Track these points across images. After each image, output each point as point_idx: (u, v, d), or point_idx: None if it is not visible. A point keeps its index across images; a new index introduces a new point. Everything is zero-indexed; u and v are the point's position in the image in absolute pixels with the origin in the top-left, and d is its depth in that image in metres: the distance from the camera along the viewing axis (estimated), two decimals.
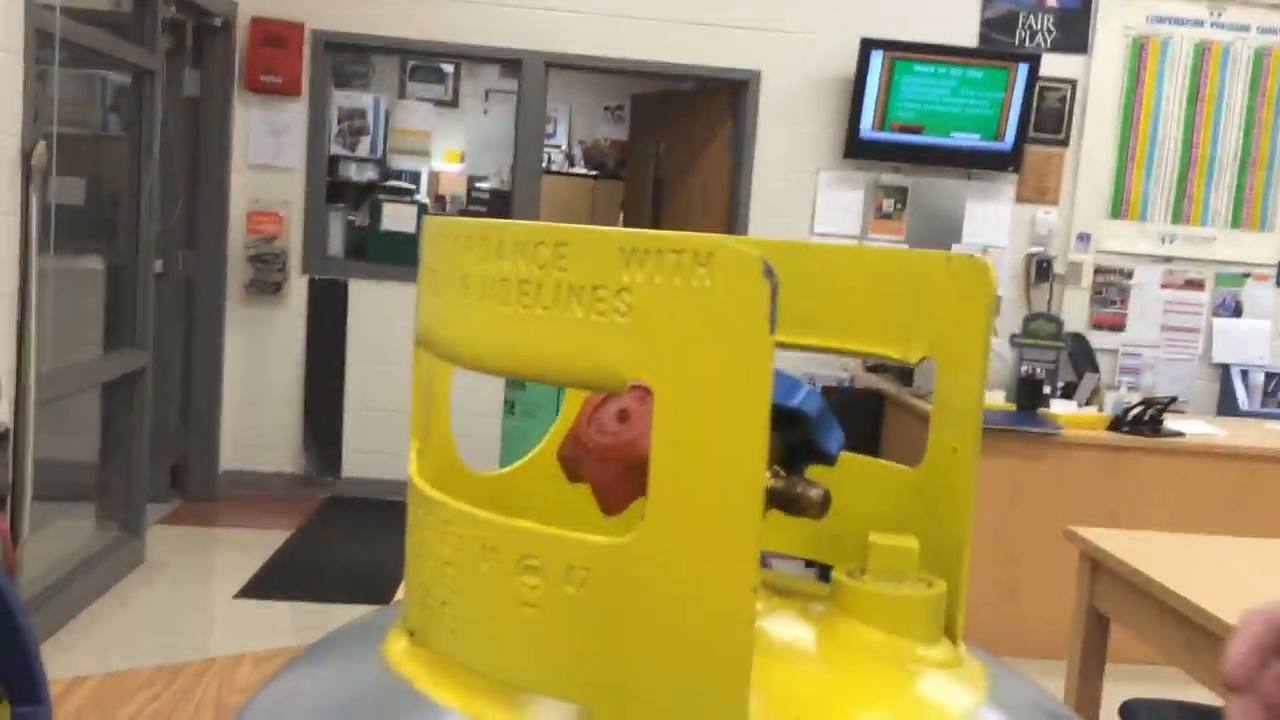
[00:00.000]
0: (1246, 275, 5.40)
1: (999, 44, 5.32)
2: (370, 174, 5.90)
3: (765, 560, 0.43)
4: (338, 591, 3.86)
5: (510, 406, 2.33)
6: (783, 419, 0.38)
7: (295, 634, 3.46)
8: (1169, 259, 5.41)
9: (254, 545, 4.62)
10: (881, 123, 5.28)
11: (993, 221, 5.54)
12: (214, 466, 5.57)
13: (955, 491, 0.38)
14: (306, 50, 5.47)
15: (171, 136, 4.46)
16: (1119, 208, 5.37)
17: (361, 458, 5.75)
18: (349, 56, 5.90)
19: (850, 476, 0.41)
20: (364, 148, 5.64)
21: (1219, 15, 5.30)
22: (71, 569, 3.48)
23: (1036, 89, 5.26)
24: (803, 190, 5.51)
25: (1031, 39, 5.31)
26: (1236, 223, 5.28)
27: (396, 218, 5.68)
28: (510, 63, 5.55)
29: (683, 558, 0.28)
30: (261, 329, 5.65)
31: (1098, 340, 5.44)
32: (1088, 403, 4.27)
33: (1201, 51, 5.27)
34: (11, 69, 3.06)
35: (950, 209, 5.58)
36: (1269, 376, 5.46)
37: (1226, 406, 5.37)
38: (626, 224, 7.38)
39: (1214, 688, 1.88)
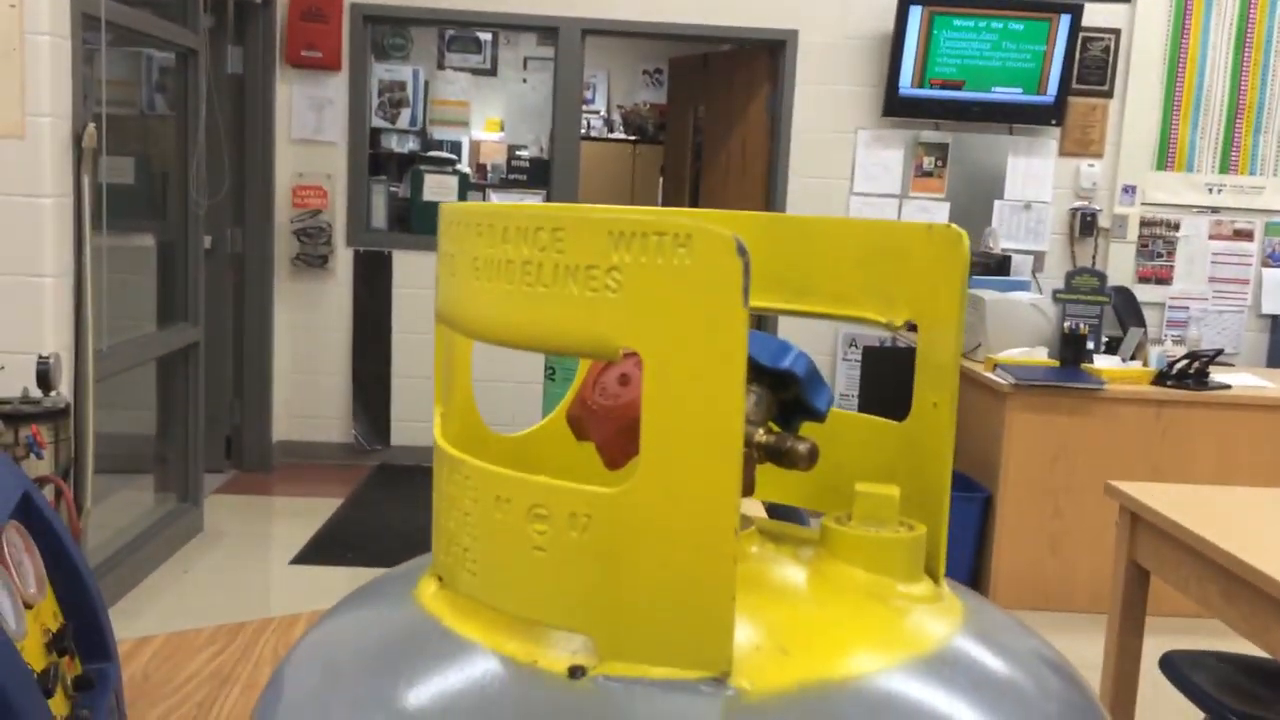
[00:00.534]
0: None
1: None
2: (411, 145, 5.95)
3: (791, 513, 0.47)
4: (389, 556, 3.95)
5: (551, 373, 2.38)
6: (775, 380, 0.41)
7: None
8: (1216, 209, 5.33)
9: (308, 513, 4.73)
10: (921, 79, 5.24)
11: (1036, 176, 5.48)
12: (267, 437, 5.69)
13: (936, 443, 0.42)
14: (345, 24, 5.51)
15: (216, 114, 4.54)
16: (1165, 159, 5.30)
17: (409, 426, 5.84)
18: (387, 29, 5.93)
19: (842, 431, 0.44)
20: (404, 120, 5.69)
21: None
22: (133, 538, 3.60)
23: (1079, 40, 5.19)
24: (842, 149, 5.49)
25: None
26: None
27: (438, 188, 5.73)
28: (547, 30, 5.56)
29: (671, 502, 0.31)
30: (309, 301, 5.74)
31: (1144, 294, 5.38)
32: (1132, 357, 4.24)
33: None
34: (60, 53, 3.14)
35: (992, 165, 5.53)
36: None
37: (1277, 358, 5.30)
38: (666, 188, 7.38)
39: (1255, 640, 1.90)
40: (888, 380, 5.19)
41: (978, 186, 5.54)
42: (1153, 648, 2.37)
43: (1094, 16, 5.29)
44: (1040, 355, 4.21)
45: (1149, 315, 5.28)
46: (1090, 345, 4.28)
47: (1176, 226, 5.39)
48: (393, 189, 5.84)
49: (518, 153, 6.49)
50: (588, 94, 8.06)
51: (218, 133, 4.78)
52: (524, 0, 5.44)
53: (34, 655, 0.95)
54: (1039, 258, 5.41)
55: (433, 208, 5.74)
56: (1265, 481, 3.72)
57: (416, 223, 5.79)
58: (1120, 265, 5.44)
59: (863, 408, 5.28)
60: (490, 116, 6.89)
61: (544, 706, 0.32)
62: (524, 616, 0.34)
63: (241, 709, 0.99)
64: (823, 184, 5.64)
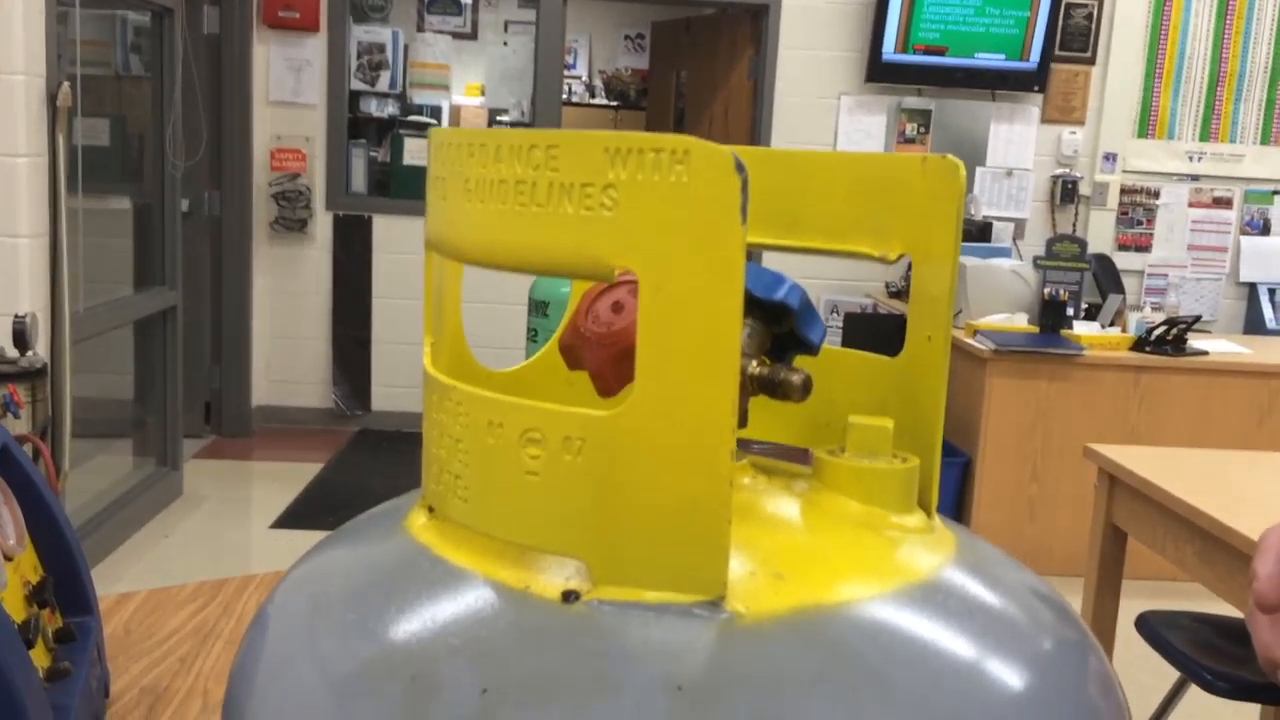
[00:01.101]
0: (1275, 193, 5.34)
1: None
2: (391, 109, 5.89)
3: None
4: None
5: (533, 334, 2.37)
6: (769, 312, 0.41)
7: None
8: (1196, 177, 5.35)
9: (288, 477, 4.72)
10: (904, 44, 5.22)
11: (1018, 143, 5.48)
12: (247, 402, 5.65)
13: (930, 376, 0.42)
14: None
15: (193, 75, 4.47)
16: (1146, 126, 5.30)
17: (390, 391, 5.82)
18: None
19: (835, 367, 0.44)
20: (384, 83, 5.62)
21: None
22: (112, 502, 3.59)
23: (1062, 6, 5.17)
24: (824, 115, 5.46)
25: None
26: (1266, 139, 5.20)
27: (418, 152, 5.69)
28: None
29: (667, 424, 0.31)
30: (289, 266, 5.69)
31: (1124, 261, 5.40)
32: (1111, 324, 4.26)
33: None
34: (34, 10, 3.08)
35: (975, 131, 5.52)
36: None
37: (1254, 325, 5.34)
38: None
39: (1230, 600, 1.92)
40: (870, 346, 5.18)
41: (960, 153, 5.51)
42: (1130, 610, 2.40)
43: None
44: (1020, 322, 4.23)
45: (1128, 282, 5.30)
46: (1070, 312, 4.30)
47: (1156, 194, 5.41)
48: (373, 153, 5.78)
49: (498, 118, 6.44)
50: (569, 59, 7.99)
51: (194, 94, 4.71)
52: None
53: (14, 607, 0.94)
54: (1020, 225, 5.42)
55: (413, 172, 5.69)
56: (1240, 445, 3.76)
57: (397, 187, 5.75)
58: (1100, 232, 5.45)
59: None
60: (470, 81, 6.82)
61: (537, 631, 0.31)
62: (517, 542, 0.33)
63: (225, 663, 0.99)
64: (806, 142, 5.61)
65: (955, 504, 4.21)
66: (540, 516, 0.33)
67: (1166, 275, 5.41)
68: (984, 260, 4.58)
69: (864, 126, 5.41)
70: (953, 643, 0.35)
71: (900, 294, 5.57)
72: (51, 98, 3.18)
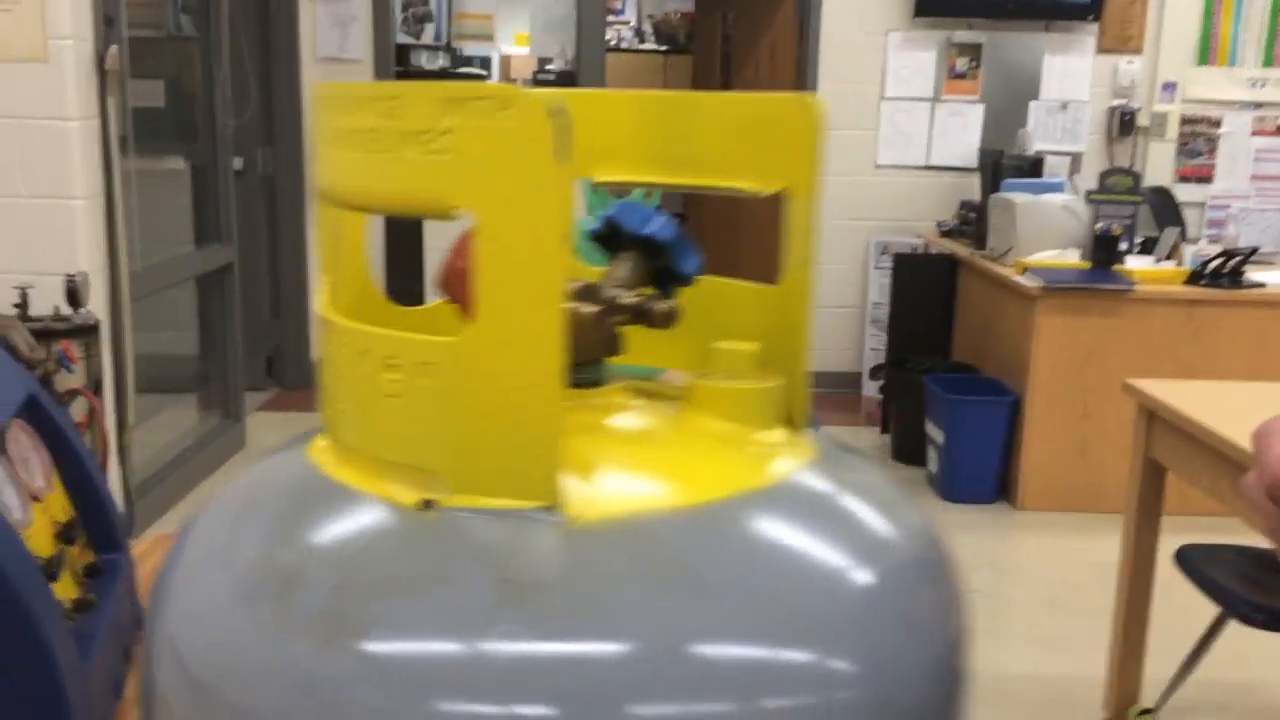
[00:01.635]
0: None
1: None
2: (441, 62, 5.92)
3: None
4: None
5: None
6: (647, 248, 0.44)
7: None
8: (1260, 105, 5.19)
9: None
10: None
11: (1073, 75, 5.36)
12: (306, 355, 5.78)
13: (797, 303, 0.44)
14: None
15: (240, 35, 4.54)
16: (1206, 53, 5.15)
17: None
18: None
19: (718, 297, 0.47)
20: (429, 35, 5.66)
21: None
22: (178, 454, 3.72)
23: None
24: (872, 53, 5.39)
25: None
26: None
27: None
28: None
29: (503, 349, 0.35)
30: None
31: (1184, 194, 5.27)
32: (1168, 257, 4.18)
33: None
34: None
35: (1027, 65, 5.41)
36: None
37: None
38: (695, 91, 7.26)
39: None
40: (920, 287, 5.16)
41: (1013, 87, 5.42)
42: (1170, 546, 2.39)
43: None
44: (1072, 258, 4.17)
45: (1189, 215, 5.17)
46: (1124, 246, 4.22)
47: (1218, 124, 5.26)
48: None
49: (545, 66, 6.43)
50: (618, 4, 7.93)
51: (242, 53, 4.79)
52: None
53: (41, 543, 1.01)
54: (1076, 159, 5.31)
55: None
56: None
57: None
58: (1160, 164, 5.32)
59: (894, 315, 5.26)
60: (518, 30, 6.82)
61: (392, 534, 0.35)
62: (384, 458, 0.37)
63: None
64: (854, 89, 5.56)
65: (1005, 443, 4.19)
66: (401, 434, 0.37)
67: (1228, 207, 5.28)
68: (1034, 196, 4.51)
69: (913, 63, 5.32)
70: (776, 541, 0.38)
71: (951, 233, 5.51)
72: (100, 61, 3.27)
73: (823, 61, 5.43)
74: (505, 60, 6.22)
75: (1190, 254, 4.04)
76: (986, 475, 4.37)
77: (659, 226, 0.42)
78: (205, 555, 0.38)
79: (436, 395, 0.36)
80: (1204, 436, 2.03)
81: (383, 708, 0.32)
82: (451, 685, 0.32)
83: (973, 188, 5.94)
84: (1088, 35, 5.24)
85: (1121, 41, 5.22)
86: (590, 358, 0.43)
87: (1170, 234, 4.32)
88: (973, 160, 5.98)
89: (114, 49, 3.32)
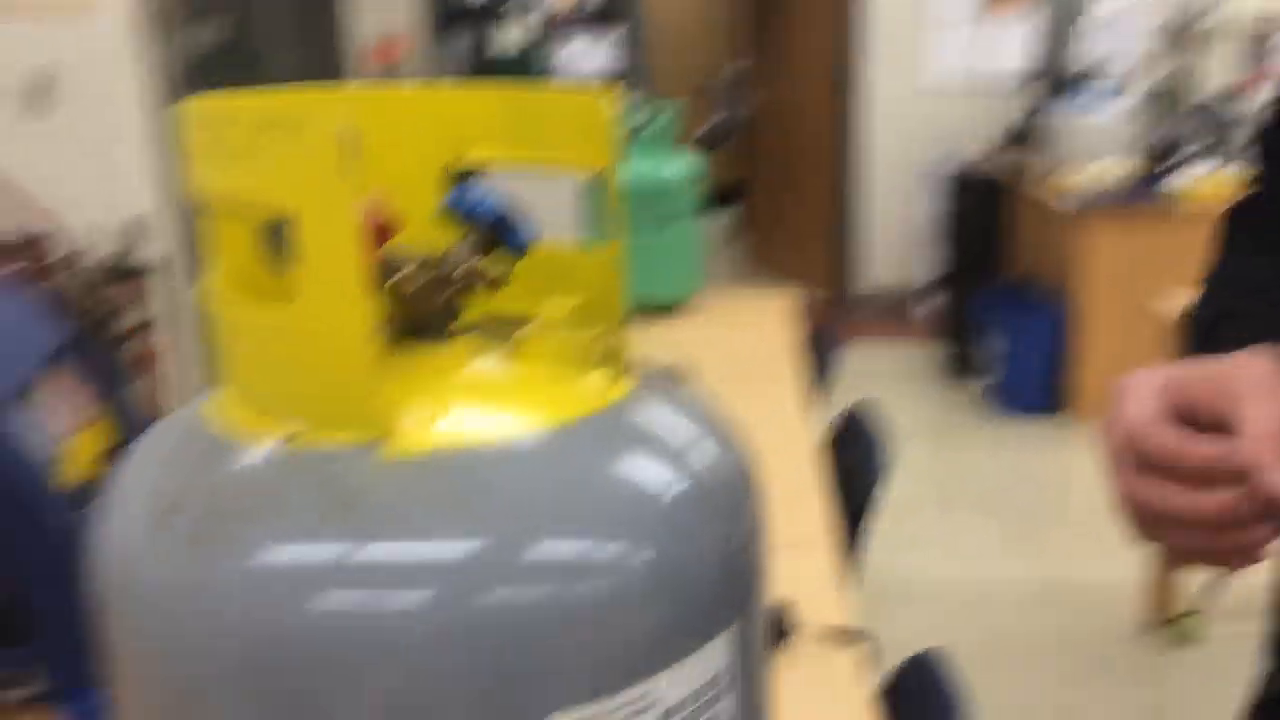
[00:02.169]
0: None
1: None
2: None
3: None
4: None
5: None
6: (471, 223, 0.53)
7: None
8: None
9: None
10: None
11: None
12: None
13: (614, 264, 0.53)
14: None
15: None
16: None
17: None
18: None
19: (558, 261, 0.56)
20: None
21: None
22: None
23: None
24: None
25: None
26: None
27: (510, 37, 5.75)
28: None
29: (323, 318, 0.44)
30: None
31: (1243, 103, 5.14)
32: (1220, 168, 4.11)
33: None
34: None
35: None
36: None
37: None
38: (737, 18, 7.21)
39: None
40: (970, 206, 5.12)
41: None
42: None
43: None
44: (1123, 171, 4.12)
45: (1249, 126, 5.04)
46: (1175, 159, 4.16)
47: None
48: (468, 39, 5.84)
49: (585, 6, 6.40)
50: None
51: None
52: None
53: (90, 466, 1.18)
54: (1130, 72, 5.19)
55: (501, 63, 5.77)
56: None
57: (490, 75, 5.82)
58: (1218, 75, 5.18)
59: (944, 235, 5.24)
60: None
61: (253, 468, 0.46)
62: (253, 404, 0.47)
63: None
64: (893, 9, 5.51)
65: (1059, 355, 4.20)
66: (262, 386, 0.47)
67: None
68: (1083, 111, 4.44)
69: None
70: (582, 461, 0.48)
71: (1001, 152, 5.44)
72: (152, 8, 3.38)
73: None
74: None
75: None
76: (1041, 388, 4.39)
77: (475, 205, 0.51)
78: (120, 488, 0.49)
79: (289, 354, 0.46)
80: None
81: (238, 606, 0.43)
82: (281, 585, 0.42)
83: (1022, 106, 5.83)
84: None
85: None
86: (433, 319, 0.52)
87: (1223, 146, 4.24)
88: (1021, 78, 5.87)
89: None
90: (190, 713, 0.45)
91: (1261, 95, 5.04)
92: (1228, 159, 4.08)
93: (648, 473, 0.50)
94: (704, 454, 0.52)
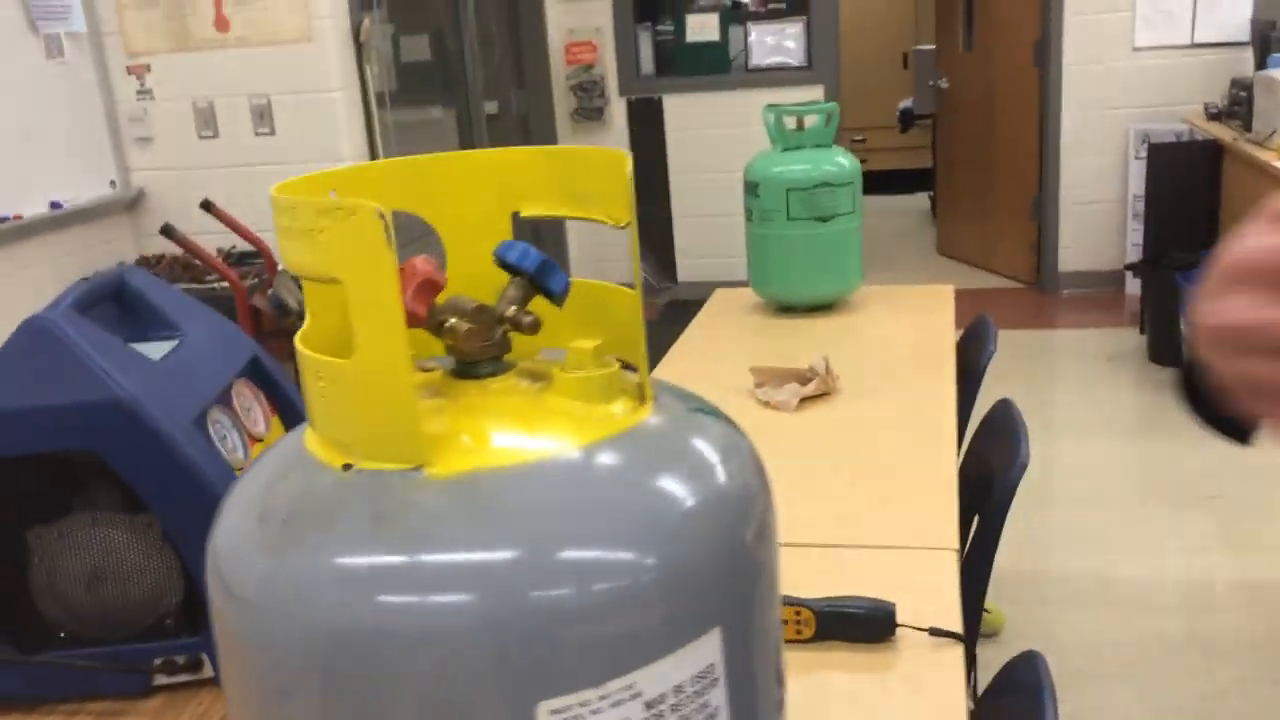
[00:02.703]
0: None
1: None
2: None
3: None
4: None
5: (749, 214, 2.55)
6: (516, 272, 0.62)
7: None
8: None
9: None
10: None
11: None
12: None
13: (630, 309, 0.61)
14: None
15: None
16: None
17: (694, 263, 6.14)
18: None
19: (581, 302, 0.65)
20: None
21: None
22: None
23: None
24: None
25: None
26: None
27: (700, 28, 5.84)
28: None
29: (369, 366, 0.54)
30: None
31: None
32: None
33: None
34: None
35: None
36: None
37: None
38: (940, 4, 7.03)
39: None
40: (1179, 177, 4.87)
41: None
42: None
43: None
44: None
45: None
46: None
47: None
48: (662, 29, 5.97)
49: None
50: None
51: (489, 2, 5.11)
52: None
53: None
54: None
55: (696, 48, 5.86)
56: None
57: (682, 65, 5.93)
58: None
59: (1151, 209, 5.00)
60: None
61: (322, 486, 0.56)
62: (327, 437, 0.58)
63: None
64: None
65: None
66: (330, 421, 0.57)
67: None
68: None
69: None
70: (600, 477, 0.56)
71: (1219, 116, 5.14)
72: (355, 33, 3.66)
73: None
74: None
75: None
76: None
77: (519, 256, 0.60)
78: (233, 498, 0.61)
79: (343, 397, 0.56)
80: None
81: (307, 600, 0.53)
82: (336, 582, 0.53)
83: (1245, 64, 5.51)
84: None
85: None
86: (484, 357, 0.62)
87: None
88: (1245, 34, 5.52)
89: (365, 21, 3.72)
90: (275, 691, 0.56)
91: None
92: None
93: (656, 489, 0.57)
94: (710, 472, 0.60)
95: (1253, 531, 3.43)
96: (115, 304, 1.24)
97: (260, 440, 1.31)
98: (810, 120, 2.51)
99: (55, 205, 3.74)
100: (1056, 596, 3.14)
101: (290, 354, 0.65)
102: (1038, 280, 6.04)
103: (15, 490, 1.08)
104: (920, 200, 8.57)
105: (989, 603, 2.93)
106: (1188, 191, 4.79)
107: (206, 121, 3.94)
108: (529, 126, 5.91)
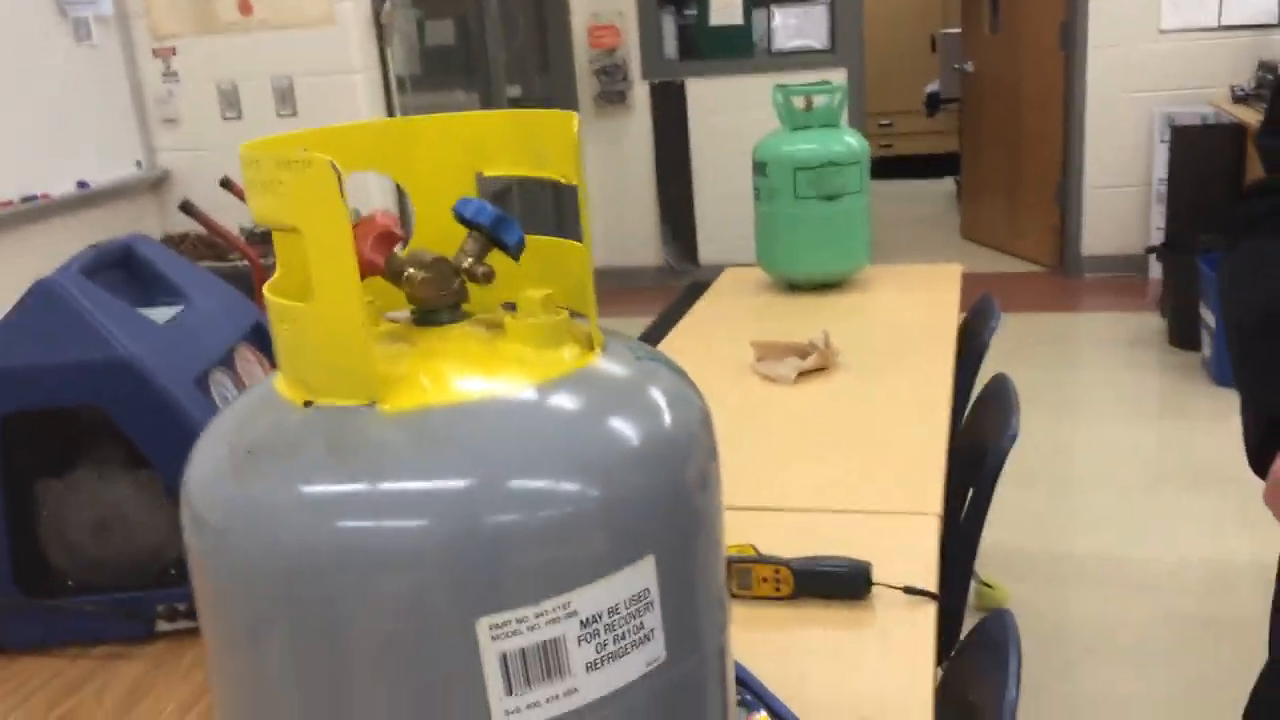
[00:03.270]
0: None
1: None
2: None
3: None
4: None
5: (757, 193, 2.57)
6: (473, 227, 0.66)
7: None
8: None
9: (626, 330, 5.23)
10: None
11: None
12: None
13: (579, 259, 0.65)
14: None
15: None
16: None
17: (716, 246, 6.16)
18: None
19: (543, 254, 0.68)
20: None
21: None
22: None
23: None
24: None
25: None
26: None
27: (723, 10, 5.84)
28: None
29: (326, 310, 0.58)
30: (614, 136, 6.11)
31: None
32: None
33: None
34: None
35: None
36: None
37: None
38: None
39: None
40: (1203, 161, 4.84)
41: None
42: None
43: None
44: None
45: None
46: None
47: None
48: (686, 13, 5.97)
49: None
50: None
51: None
52: None
53: None
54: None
55: (719, 32, 5.86)
56: None
57: (705, 48, 5.94)
58: None
59: (1173, 193, 4.97)
60: None
61: (286, 421, 0.60)
62: (288, 375, 0.62)
63: None
64: None
65: None
66: (292, 360, 0.62)
67: None
68: None
69: None
70: (542, 412, 0.60)
71: (1246, 98, 5.10)
72: (376, 16, 3.71)
73: None
74: None
75: None
76: None
77: (475, 212, 0.64)
78: (205, 437, 0.65)
79: (304, 337, 0.60)
80: None
81: (272, 523, 0.57)
82: (296, 509, 0.57)
83: (1274, 46, 5.46)
84: None
85: None
86: (441, 305, 0.66)
87: None
88: (1273, 15, 5.47)
89: (387, 6, 3.76)
90: (244, 616, 0.60)
91: None
92: None
93: (600, 426, 0.61)
94: (653, 414, 0.63)
95: (1268, 515, 3.42)
96: (124, 271, 1.29)
97: None
98: (819, 100, 2.53)
99: (82, 185, 3.82)
100: (1068, 576, 3.16)
101: None
102: (1061, 264, 6.02)
103: (26, 444, 1.13)
104: (946, 185, 8.53)
105: (993, 578, 2.95)
106: (1211, 174, 4.76)
107: (230, 103, 4.01)
108: (552, 108, 5.95)
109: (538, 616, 0.57)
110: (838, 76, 5.69)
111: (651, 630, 0.61)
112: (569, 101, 5.81)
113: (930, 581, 1.23)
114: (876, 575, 1.23)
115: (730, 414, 1.78)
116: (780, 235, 2.52)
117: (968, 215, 6.95)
